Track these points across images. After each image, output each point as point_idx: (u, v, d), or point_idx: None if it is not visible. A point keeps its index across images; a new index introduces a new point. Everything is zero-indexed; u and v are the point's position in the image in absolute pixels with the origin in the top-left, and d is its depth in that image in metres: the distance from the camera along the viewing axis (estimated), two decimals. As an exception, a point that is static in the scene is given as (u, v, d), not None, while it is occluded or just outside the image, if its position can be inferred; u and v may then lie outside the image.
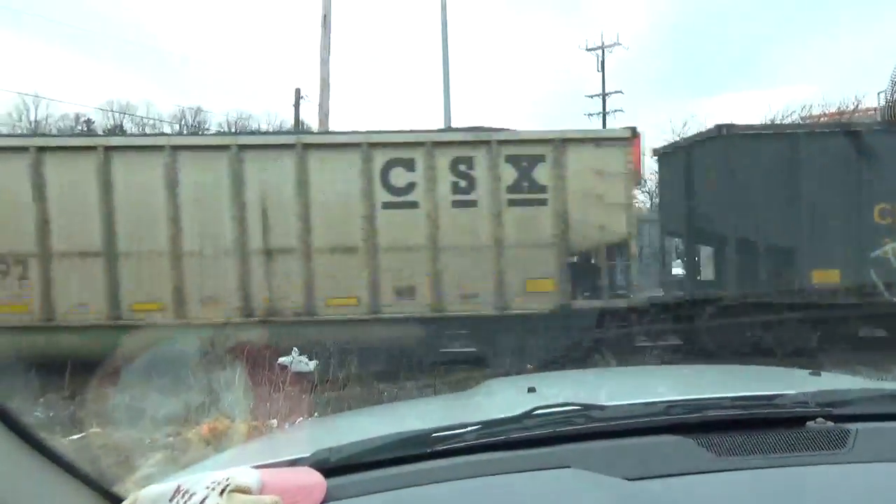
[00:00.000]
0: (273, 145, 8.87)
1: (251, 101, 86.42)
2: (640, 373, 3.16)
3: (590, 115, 33.17)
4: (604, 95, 33.11)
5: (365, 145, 8.63)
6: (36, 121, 43.52)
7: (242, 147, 8.64)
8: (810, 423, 1.25)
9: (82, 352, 7.67)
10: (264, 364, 6.68)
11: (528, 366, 7.97)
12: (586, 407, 1.35)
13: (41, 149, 8.54)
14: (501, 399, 1.92)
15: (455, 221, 8.67)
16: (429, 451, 1.22)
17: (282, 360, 7.89)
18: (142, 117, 42.84)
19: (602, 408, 1.34)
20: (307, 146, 8.68)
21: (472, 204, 8.68)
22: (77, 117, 41.77)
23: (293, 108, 24.60)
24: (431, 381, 7.60)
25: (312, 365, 8.03)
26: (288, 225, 8.60)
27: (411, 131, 9.05)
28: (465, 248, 8.64)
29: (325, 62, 14.42)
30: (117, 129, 38.60)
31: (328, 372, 7.38)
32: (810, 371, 1.88)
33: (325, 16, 14.48)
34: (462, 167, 8.68)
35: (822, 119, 20.35)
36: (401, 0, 70.04)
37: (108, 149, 8.58)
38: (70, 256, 8.50)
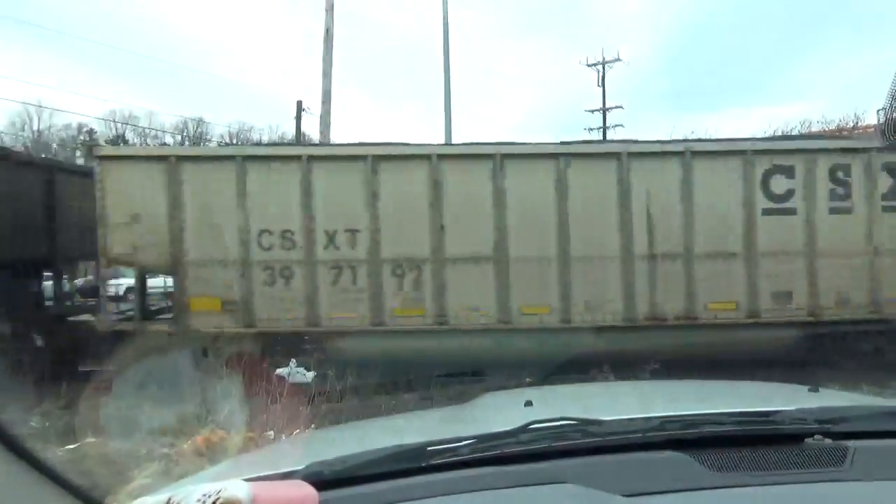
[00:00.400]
0: (659, 153, 9.03)
1: (253, 112, 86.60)
2: (636, 387, 3.15)
3: (590, 129, 33.35)
4: (604, 110, 33.28)
5: (749, 152, 8.84)
6: (38, 130, 43.68)
7: (631, 155, 8.85)
8: (808, 441, 1.24)
9: (473, 354, 8.19)
10: (263, 375, 6.66)
11: (527, 379, 7.94)
12: (583, 422, 1.34)
13: (441, 157, 8.86)
14: (498, 412, 1.91)
15: (831, 228, 8.87)
16: (423, 464, 1.21)
17: (279, 371, 7.86)
18: (144, 128, 42.99)
19: (599, 422, 1.34)
20: (695, 154, 8.87)
21: (848, 211, 8.89)
22: (79, 127, 41.95)
23: (294, 121, 24.65)
24: (429, 393, 7.56)
25: (310, 376, 7.99)
26: (671, 231, 8.80)
27: (792, 137, 9.22)
28: (840, 254, 8.82)
29: (327, 75, 14.49)
30: (119, 140, 38.68)
31: (326, 383, 7.34)
32: (809, 387, 1.87)
33: (327, 30, 14.58)
34: (839, 174, 8.89)
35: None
36: (403, 17, 70.45)
37: (504, 157, 8.82)
38: (462, 261, 8.76)
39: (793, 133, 23.91)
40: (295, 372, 8.09)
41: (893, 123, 0.86)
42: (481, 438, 1.30)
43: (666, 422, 1.32)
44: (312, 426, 5.57)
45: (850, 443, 1.22)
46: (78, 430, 6.05)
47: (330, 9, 14.67)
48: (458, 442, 1.28)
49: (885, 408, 1.50)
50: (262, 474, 1.21)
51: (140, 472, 5.16)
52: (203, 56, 67.90)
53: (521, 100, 72.79)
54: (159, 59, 69.31)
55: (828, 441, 1.24)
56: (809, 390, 1.85)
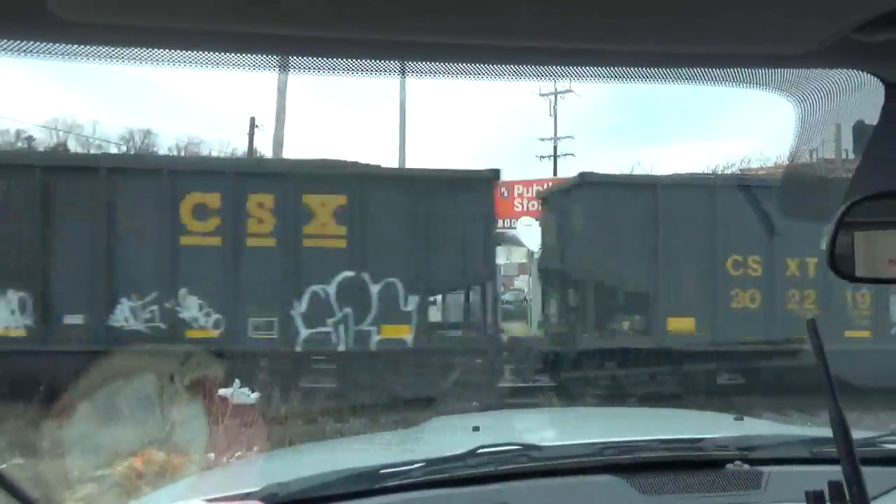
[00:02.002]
0: None
1: (202, 126, 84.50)
2: (578, 414, 3.26)
3: (541, 157, 34.04)
4: (555, 140, 34.07)
5: None
6: (-28, 134, 41.67)
7: None
8: (729, 466, 1.36)
9: None
10: (205, 395, 6.53)
11: (474, 403, 8.00)
12: (526, 447, 1.42)
13: None
14: (447, 437, 1.98)
15: None
16: (377, 486, 1.27)
17: (222, 391, 7.68)
18: (87, 137, 41.51)
19: (541, 448, 1.42)
20: None
21: None
22: (17, 134, 40.20)
23: (247, 137, 24.30)
24: (376, 417, 7.54)
25: (254, 397, 7.84)
26: None
27: None
28: None
29: (281, 93, 14.43)
30: (61, 148, 37.26)
31: (270, 404, 7.23)
32: (734, 416, 2.01)
33: (284, 47, 14.57)
34: None
35: (760, 172, 21.46)
36: (360, 35, 70.15)
37: None
38: None
39: (732, 168, 24.98)
40: (238, 392, 7.92)
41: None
42: (432, 462, 1.37)
43: (603, 448, 1.42)
44: (255, 448, 5.49)
45: (766, 468, 1.35)
46: (4, 450, 5.78)
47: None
48: (410, 465, 1.34)
49: (797, 436, 1.64)
50: (219, 495, 1.25)
51: (71, 494, 4.97)
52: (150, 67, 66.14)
53: (475, 126, 73.70)
54: (109, 69, 67.35)
55: (746, 466, 1.36)
56: (735, 419, 1.99)
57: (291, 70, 0.72)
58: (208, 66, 0.68)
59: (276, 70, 0.71)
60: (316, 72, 0.70)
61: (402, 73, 0.70)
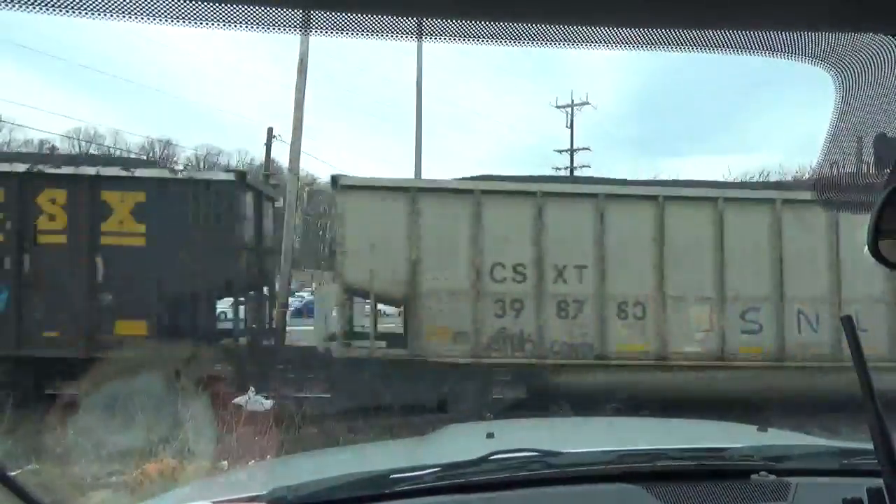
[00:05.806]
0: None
1: (221, 137, 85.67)
2: (595, 423, 3.20)
3: (557, 168, 34.00)
4: (572, 151, 34.01)
5: None
6: (-4, 145, 42.47)
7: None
8: (755, 476, 1.31)
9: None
10: (219, 402, 6.54)
11: (488, 414, 7.94)
12: (543, 453, 1.38)
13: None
14: (460, 443, 1.94)
15: None
16: (387, 491, 1.24)
17: (237, 399, 7.69)
18: (109, 147, 42.16)
19: (558, 454, 1.38)
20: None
21: None
22: (41, 144, 40.92)
23: (264, 147, 24.50)
24: (389, 424, 7.50)
25: (268, 404, 7.84)
26: None
27: None
28: None
29: (299, 105, 14.49)
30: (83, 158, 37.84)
31: (284, 413, 7.22)
32: (758, 427, 1.95)
33: (301, 59, 14.64)
34: None
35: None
36: (377, 50, 71.30)
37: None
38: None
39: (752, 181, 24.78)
40: (253, 400, 7.93)
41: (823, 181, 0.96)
42: (444, 467, 1.33)
43: (622, 455, 1.37)
44: (268, 456, 5.47)
45: (793, 479, 1.29)
46: (20, 455, 5.81)
47: (305, 38, 14.78)
48: (421, 470, 1.30)
49: (826, 447, 1.58)
50: (227, 498, 1.22)
51: (86, 500, 4.98)
52: (171, 78, 67.42)
53: (492, 137, 74.05)
54: (127, 80, 68.70)
55: (772, 477, 1.30)
56: (759, 430, 1.92)
57: (313, 30, 0.70)
58: (230, 23, 0.66)
59: (299, 30, 0.69)
60: (336, 32, 0.67)
61: (420, 33, 0.68)
